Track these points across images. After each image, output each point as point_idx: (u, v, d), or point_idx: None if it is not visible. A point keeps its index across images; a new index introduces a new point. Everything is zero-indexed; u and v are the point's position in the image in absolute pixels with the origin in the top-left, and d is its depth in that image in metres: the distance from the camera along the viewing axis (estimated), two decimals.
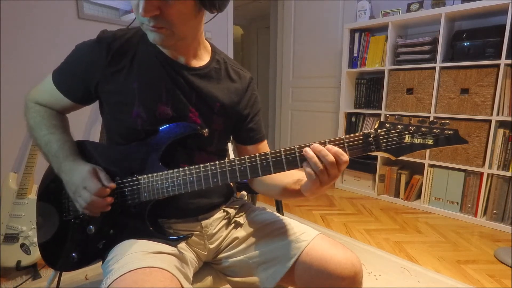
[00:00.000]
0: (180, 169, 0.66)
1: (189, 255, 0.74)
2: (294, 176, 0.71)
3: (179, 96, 0.71)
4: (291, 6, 3.28)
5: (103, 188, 0.66)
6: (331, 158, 0.56)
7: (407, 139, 0.58)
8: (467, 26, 2.27)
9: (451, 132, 0.56)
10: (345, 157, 0.57)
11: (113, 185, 0.68)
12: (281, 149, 0.61)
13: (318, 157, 0.57)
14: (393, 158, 0.59)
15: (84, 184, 0.66)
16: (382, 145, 0.58)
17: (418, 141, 0.57)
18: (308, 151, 0.58)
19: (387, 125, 0.58)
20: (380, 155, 2.47)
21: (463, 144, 0.56)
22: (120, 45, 0.70)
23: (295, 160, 0.60)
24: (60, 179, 0.72)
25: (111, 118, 0.73)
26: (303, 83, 3.32)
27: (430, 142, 0.57)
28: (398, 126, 0.58)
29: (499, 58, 1.97)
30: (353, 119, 2.79)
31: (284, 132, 3.56)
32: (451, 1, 2.28)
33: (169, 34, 0.62)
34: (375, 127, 0.59)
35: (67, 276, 1.41)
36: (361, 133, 0.59)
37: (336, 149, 0.57)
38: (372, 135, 0.58)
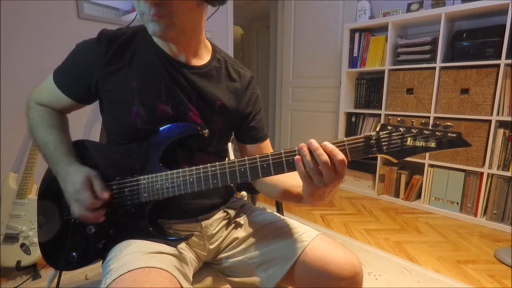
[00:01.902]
0: (180, 169, 0.66)
1: (189, 255, 0.74)
2: (299, 180, 0.71)
3: (179, 95, 0.71)
4: (291, 6, 3.28)
5: (94, 201, 0.66)
6: (325, 157, 0.55)
7: (409, 142, 0.57)
8: (467, 26, 2.27)
9: (454, 135, 0.55)
10: (340, 155, 0.55)
11: (105, 196, 0.67)
12: (282, 150, 0.60)
13: (312, 156, 0.56)
14: (394, 161, 0.58)
15: (76, 197, 0.66)
16: (384, 147, 0.58)
17: (421, 144, 0.56)
18: (303, 147, 0.57)
19: (389, 128, 0.57)
20: (381, 157, 2.47)
21: (466, 147, 0.55)
22: (120, 44, 0.70)
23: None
24: None
25: (111, 117, 0.73)
26: (303, 83, 3.32)
27: (433, 145, 0.56)
28: (400, 129, 0.57)
29: (499, 58, 1.97)
30: (353, 119, 2.79)
31: (284, 132, 3.56)
32: (451, 1, 2.28)
33: (169, 25, 0.62)
34: (377, 129, 0.58)
35: (67, 275, 1.41)
36: (362, 136, 0.58)
37: (332, 147, 0.56)
38: (373, 138, 0.58)
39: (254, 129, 0.82)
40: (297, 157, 0.57)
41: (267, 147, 0.85)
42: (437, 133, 0.56)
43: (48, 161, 0.73)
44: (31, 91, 0.80)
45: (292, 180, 0.72)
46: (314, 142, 0.57)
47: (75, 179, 0.67)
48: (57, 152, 0.71)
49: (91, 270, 1.44)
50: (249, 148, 0.84)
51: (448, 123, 0.56)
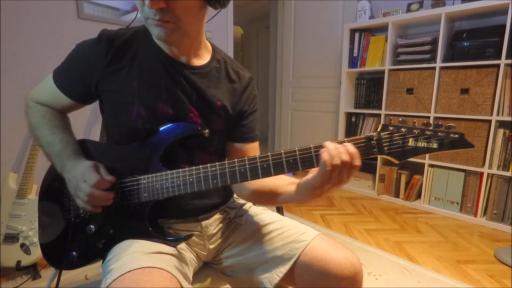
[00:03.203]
0: (180, 169, 0.66)
1: (189, 255, 0.74)
2: (286, 179, 0.70)
3: (180, 95, 0.71)
4: (291, 6, 3.28)
5: (102, 180, 0.66)
6: (347, 157, 0.55)
7: (411, 142, 0.56)
8: (467, 26, 2.27)
9: (457, 136, 0.54)
10: (357, 162, 0.55)
11: (112, 178, 0.67)
12: (282, 151, 0.60)
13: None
14: (396, 161, 0.58)
15: (84, 177, 0.66)
16: (385, 148, 0.57)
17: (422, 145, 0.56)
18: (329, 144, 0.56)
19: (390, 128, 0.57)
20: (382, 157, 2.47)
21: (468, 148, 0.54)
22: (120, 44, 0.70)
23: (295, 162, 0.59)
24: (61, 179, 0.72)
25: (111, 118, 0.73)
26: (303, 83, 3.32)
27: (435, 146, 0.55)
28: (402, 129, 0.57)
29: (499, 58, 1.97)
30: (353, 119, 2.79)
31: (284, 132, 3.56)
32: (451, 1, 2.28)
33: (174, 29, 0.62)
34: (378, 130, 0.58)
35: (67, 275, 1.41)
36: (363, 136, 0.58)
37: (354, 150, 0.56)
38: (375, 138, 0.57)
39: (244, 127, 0.81)
40: (323, 149, 0.56)
41: (254, 149, 0.83)
42: (439, 133, 0.55)
43: (53, 159, 0.73)
44: (30, 90, 0.80)
45: (278, 180, 0.71)
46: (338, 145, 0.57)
47: (82, 165, 0.68)
48: (65, 151, 0.72)
49: (91, 270, 1.44)
50: (235, 147, 0.81)
51: (451, 124, 0.55)
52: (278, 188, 0.71)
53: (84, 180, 0.66)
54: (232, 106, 0.78)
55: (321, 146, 0.58)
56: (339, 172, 0.56)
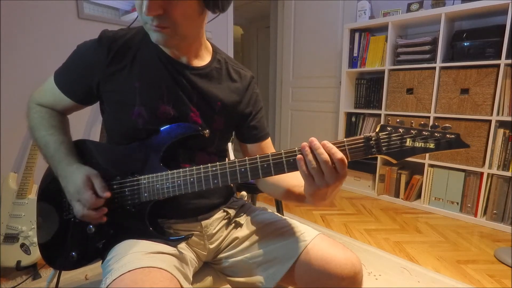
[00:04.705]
0: (181, 169, 0.66)
1: (189, 255, 0.74)
2: (301, 180, 0.71)
3: (181, 95, 0.72)
4: (291, 6, 3.29)
5: (96, 200, 0.66)
6: (325, 156, 0.55)
7: (409, 142, 0.57)
8: (467, 26, 2.27)
9: (453, 136, 0.55)
10: (339, 154, 0.56)
11: (107, 194, 0.67)
12: (282, 151, 0.61)
13: (314, 155, 0.57)
14: (394, 161, 0.59)
15: (78, 197, 0.66)
16: (383, 148, 0.58)
17: (420, 145, 0.57)
18: (305, 146, 0.57)
19: (389, 129, 0.58)
20: (381, 157, 2.47)
21: (464, 148, 0.56)
22: (122, 45, 0.70)
23: (296, 162, 0.59)
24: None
25: (112, 118, 0.73)
26: (303, 83, 3.32)
27: (432, 146, 0.56)
28: (400, 130, 0.58)
29: (499, 58, 1.97)
30: (353, 119, 2.79)
31: (284, 132, 3.56)
32: (451, 1, 2.28)
33: (172, 34, 0.63)
34: (377, 130, 0.59)
35: (67, 276, 1.41)
36: (362, 136, 0.58)
37: (330, 146, 0.56)
38: (373, 138, 0.58)
39: (255, 128, 0.83)
40: (299, 156, 0.58)
41: (268, 146, 0.85)
42: (436, 134, 0.56)
43: (49, 162, 0.74)
44: (32, 92, 0.80)
45: (294, 180, 0.73)
46: (315, 141, 0.57)
47: (75, 179, 0.67)
48: (58, 153, 0.71)
49: (91, 270, 1.44)
50: (250, 147, 0.84)
51: (447, 125, 0.56)
52: (292, 188, 0.72)
53: (78, 199, 0.67)
54: (234, 106, 0.78)
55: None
56: (325, 173, 0.56)
